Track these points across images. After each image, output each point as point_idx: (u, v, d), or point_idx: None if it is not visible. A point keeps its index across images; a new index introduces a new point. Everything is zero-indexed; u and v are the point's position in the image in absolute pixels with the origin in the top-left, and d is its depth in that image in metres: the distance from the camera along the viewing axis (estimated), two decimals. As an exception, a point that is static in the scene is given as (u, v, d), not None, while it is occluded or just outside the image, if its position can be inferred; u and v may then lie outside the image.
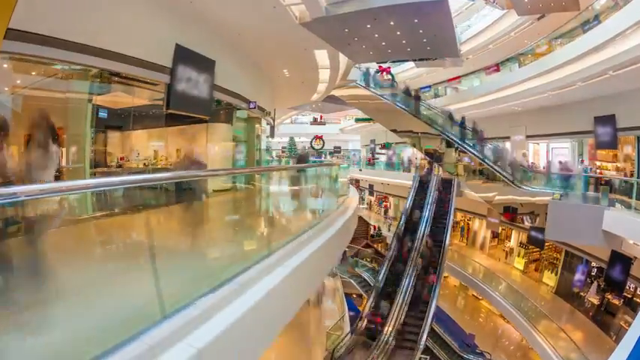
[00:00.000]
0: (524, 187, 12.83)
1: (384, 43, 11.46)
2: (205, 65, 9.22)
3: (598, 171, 14.56)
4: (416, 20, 9.73)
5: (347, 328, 13.87)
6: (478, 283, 18.31)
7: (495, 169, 13.74)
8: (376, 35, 10.68)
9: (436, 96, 26.23)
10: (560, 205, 10.69)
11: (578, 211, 10.46)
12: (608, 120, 14.38)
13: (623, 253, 10.45)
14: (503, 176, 13.35)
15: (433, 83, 27.69)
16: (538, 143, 21.39)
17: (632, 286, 12.33)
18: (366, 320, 13.19)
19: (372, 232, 28.78)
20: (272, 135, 19.57)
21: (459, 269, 20.53)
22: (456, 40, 10.85)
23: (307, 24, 9.32)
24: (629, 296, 12.79)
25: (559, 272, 16.50)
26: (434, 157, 19.96)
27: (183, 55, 8.49)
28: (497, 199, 14.38)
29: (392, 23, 9.99)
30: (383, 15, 9.53)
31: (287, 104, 23.07)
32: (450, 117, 17.28)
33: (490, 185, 14.27)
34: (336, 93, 21.23)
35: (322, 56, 13.12)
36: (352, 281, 19.01)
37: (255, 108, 12.75)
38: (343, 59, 14.40)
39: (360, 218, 29.23)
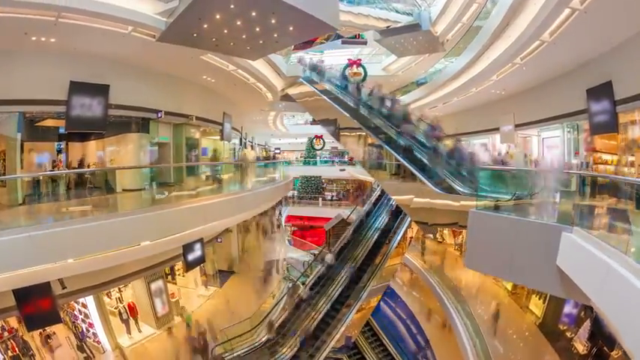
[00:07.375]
0: (449, 188, 8.15)
1: (244, 36, 8.94)
2: (98, 90, 9.93)
3: (582, 165, 9.37)
4: (232, 7, 7.43)
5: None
6: (451, 310, 13.50)
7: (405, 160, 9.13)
8: (225, 31, 8.57)
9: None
10: (486, 218, 6.03)
11: (515, 230, 5.71)
12: (603, 90, 9.32)
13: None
14: (417, 172, 8.74)
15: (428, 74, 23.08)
16: (540, 135, 15.96)
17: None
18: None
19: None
20: (222, 137, 17.07)
21: (436, 286, 15.84)
22: (309, 11, 7.49)
23: (161, 39, 8.71)
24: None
25: (547, 299, 11.30)
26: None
27: (77, 88, 9.60)
28: (416, 201, 9.72)
29: (218, 17, 7.87)
30: (202, 11, 7.64)
31: (249, 107, 19.75)
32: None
33: (409, 186, 9.67)
34: (291, 91, 17.65)
35: (217, 59, 11.46)
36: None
37: (161, 117, 12.34)
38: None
39: (343, 220, 25.05)
